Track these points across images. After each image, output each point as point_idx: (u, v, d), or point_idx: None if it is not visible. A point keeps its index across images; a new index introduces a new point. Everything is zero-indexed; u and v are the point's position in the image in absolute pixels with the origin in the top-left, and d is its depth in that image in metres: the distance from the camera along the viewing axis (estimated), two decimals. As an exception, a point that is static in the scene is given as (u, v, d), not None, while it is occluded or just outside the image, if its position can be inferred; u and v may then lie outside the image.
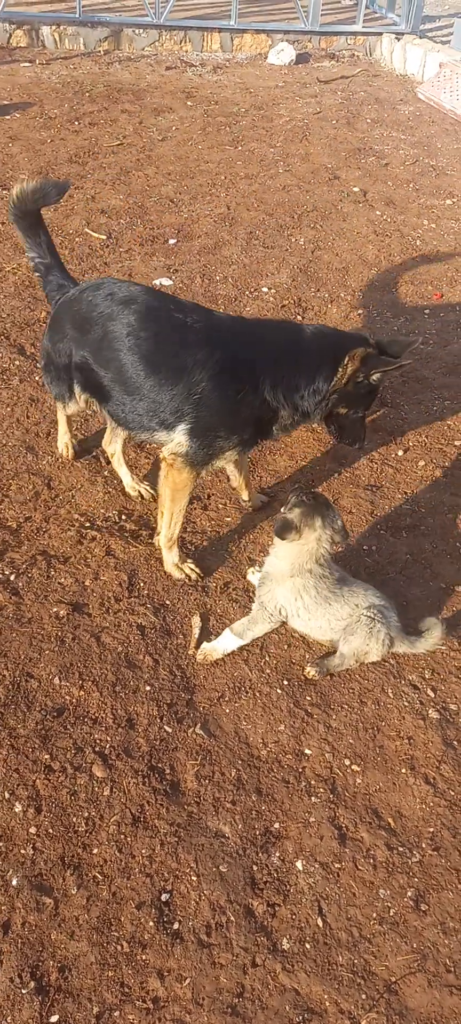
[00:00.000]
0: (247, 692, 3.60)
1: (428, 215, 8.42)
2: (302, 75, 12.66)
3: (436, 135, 10.53)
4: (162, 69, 12.48)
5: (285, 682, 3.66)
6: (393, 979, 2.76)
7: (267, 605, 3.61)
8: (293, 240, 7.72)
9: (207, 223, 7.93)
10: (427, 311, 6.75)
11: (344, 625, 3.57)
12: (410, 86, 12.31)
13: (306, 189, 8.80)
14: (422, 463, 5.04)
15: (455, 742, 3.46)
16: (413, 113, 11.25)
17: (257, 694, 3.60)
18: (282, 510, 3.60)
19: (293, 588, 3.52)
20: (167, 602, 3.95)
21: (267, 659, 3.74)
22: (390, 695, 3.64)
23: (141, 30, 13.05)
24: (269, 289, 6.90)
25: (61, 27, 12.70)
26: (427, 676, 3.73)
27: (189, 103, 11.14)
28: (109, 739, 3.34)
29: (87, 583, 4.00)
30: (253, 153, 9.65)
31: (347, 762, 3.37)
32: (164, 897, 2.90)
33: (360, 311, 6.68)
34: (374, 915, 2.91)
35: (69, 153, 9.31)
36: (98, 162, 9.16)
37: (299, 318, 6.49)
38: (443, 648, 3.82)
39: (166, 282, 6.85)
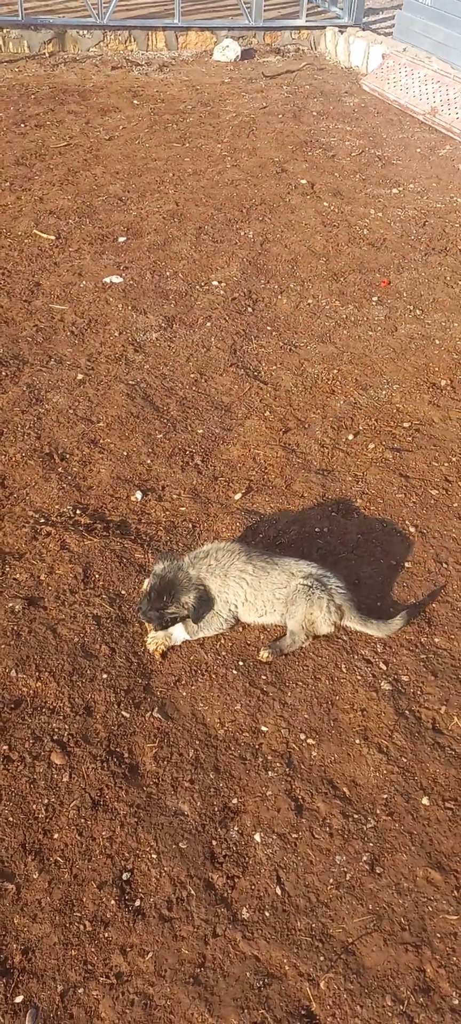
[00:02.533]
0: (203, 675, 3.68)
1: (374, 204, 8.58)
2: (248, 71, 12.77)
3: (381, 125, 10.72)
4: (108, 69, 12.50)
5: (241, 663, 3.75)
6: (350, 940, 2.86)
7: (221, 611, 3.72)
8: (242, 233, 7.82)
9: (156, 220, 8.00)
10: (375, 298, 6.90)
11: (285, 595, 3.67)
12: (355, 78, 12.50)
13: (254, 183, 8.91)
14: (372, 446, 5.17)
15: (407, 711, 3.58)
16: (358, 105, 11.43)
17: (213, 676, 3.68)
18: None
19: (235, 578, 3.65)
20: (123, 592, 4.02)
21: (223, 642, 3.83)
22: (343, 670, 3.75)
23: (85, 31, 13.05)
24: (219, 283, 6.99)
25: (4, 30, 12.64)
26: (379, 650, 3.84)
27: (136, 102, 11.19)
28: (67, 727, 3.39)
29: (42, 577, 4.04)
30: (201, 149, 9.74)
31: (302, 736, 3.47)
32: (125, 876, 2.97)
33: (309, 301, 6.80)
34: (331, 880, 3.01)
35: (15, 156, 9.30)
36: (45, 163, 9.16)
37: (249, 310, 6.58)
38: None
39: (116, 280, 6.91)
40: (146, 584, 3.73)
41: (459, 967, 2.79)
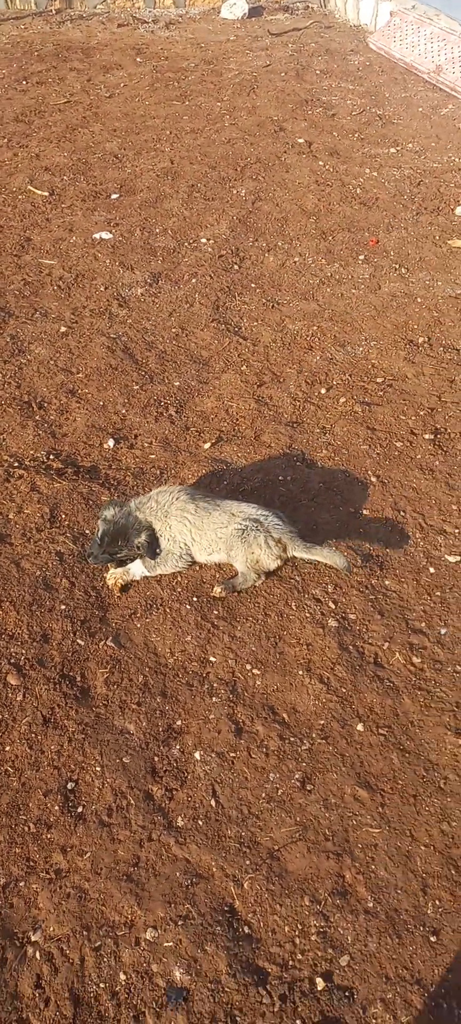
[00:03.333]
0: (158, 608, 3.94)
1: (371, 164, 8.70)
2: (254, 28, 12.84)
3: (385, 84, 10.79)
4: (114, 26, 12.63)
5: (195, 599, 4.00)
6: (276, 848, 3.11)
7: (172, 549, 3.97)
8: (234, 192, 7.99)
9: (150, 177, 8.18)
10: (362, 256, 7.06)
11: (226, 535, 3.90)
12: (362, 36, 12.53)
13: (251, 142, 9.05)
14: (343, 400, 5.37)
15: (351, 647, 3.82)
16: (363, 63, 11.49)
17: (167, 610, 3.94)
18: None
19: (176, 517, 3.89)
20: (87, 531, 4.27)
21: (179, 579, 4.08)
22: (293, 607, 3.99)
23: (91, -14, 13.17)
24: (208, 240, 7.18)
25: (9, -15, 12.80)
26: (330, 590, 4.08)
27: (139, 60, 11.33)
28: (24, 652, 3.67)
29: (11, 516, 4.31)
30: (200, 108, 9.88)
31: (248, 667, 3.72)
32: (70, 786, 3.24)
33: (296, 259, 6.98)
34: (263, 795, 3.27)
35: (15, 113, 9.51)
36: (44, 120, 9.37)
37: (236, 268, 6.77)
38: (345, 564, 4.16)
39: (106, 236, 7.12)
40: (98, 531, 3.96)
41: (377, 875, 3.03)
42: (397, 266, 6.87)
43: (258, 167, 8.47)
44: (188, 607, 3.95)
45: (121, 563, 3.90)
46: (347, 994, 2.74)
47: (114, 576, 3.95)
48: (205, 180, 8.15)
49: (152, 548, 3.84)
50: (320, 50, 11.89)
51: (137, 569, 3.97)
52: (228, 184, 8.11)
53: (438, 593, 4.06)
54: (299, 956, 2.82)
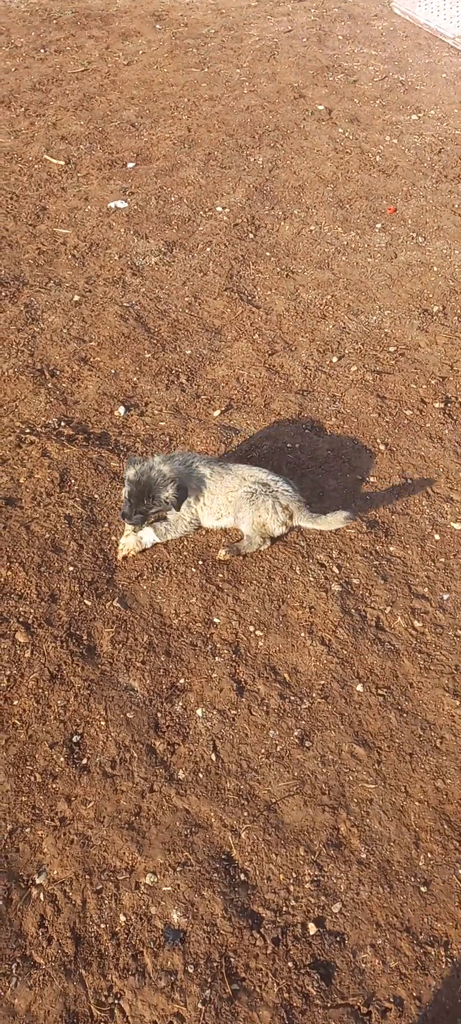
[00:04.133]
0: (164, 571, 4.09)
1: (391, 131, 8.72)
2: (276, -8, 12.82)
3: (408, 50, 10.76)
4: (133, -9, 12.67)
5: (200, 562, 4.14)
6: (273, 800, 3.26)
7: (184, 514, 4.10)
8: (251, 160, 8.06)
9: (166, 146, 8.28)
10: (379, 225, 7.12)
11: (235, 499, 4.04)
12: (386, 0, 12.47)
13: (270, 109, 9.10)
14: (354, 368, 5.47)
15: (353, 610, 3.94)
16: (387, 28, 11.45)
17: (173, 573, 4.09)
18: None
19: (197, 478, 4.03)
20: (95, 496, 4.43)
21: (185, 543, 4.22)
22: (297, 572, 4.12)
23: None
24: (223, 208, 7.27)
25: None
26: (334, 555, 4.20)
27: (158, 26, 11.38)
28: (32, 611, 3.84)
29: (22, 480, 4.48)
30: (219, 74, 9.94)
31: (251, 628, 3.86)
32: (75, 739, 3.41)
33: (312, 228, 7.06)
34: (262, 751, 3.41)
35: (32, 81, 9.63)
36: (61, 89, 9.48)
37: (251, 236, 6.87)
38: (351, 531, 4.28)
39: (121, 204, 7.24)
40: (124, 492, 4.08)
41: (371, 828, 3.17)
42: (414, 235, 6.93)
43: (276, 134, 8.53)
44: (194, 570, 4.09)
45: (157, 519, 4.02)
46: (338, 939, 2.88)
47: (126, 547, 4.09)
48: (222, 148, 8.23)
49: (180, 501, 3.95)
50: (343, 15, 11.86)
51: (149, 537, 4.11)
52: (245, 152, 8.18)
53: (442, 560, 4.17)
54: (293, 902, 2.96)
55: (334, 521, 4.13)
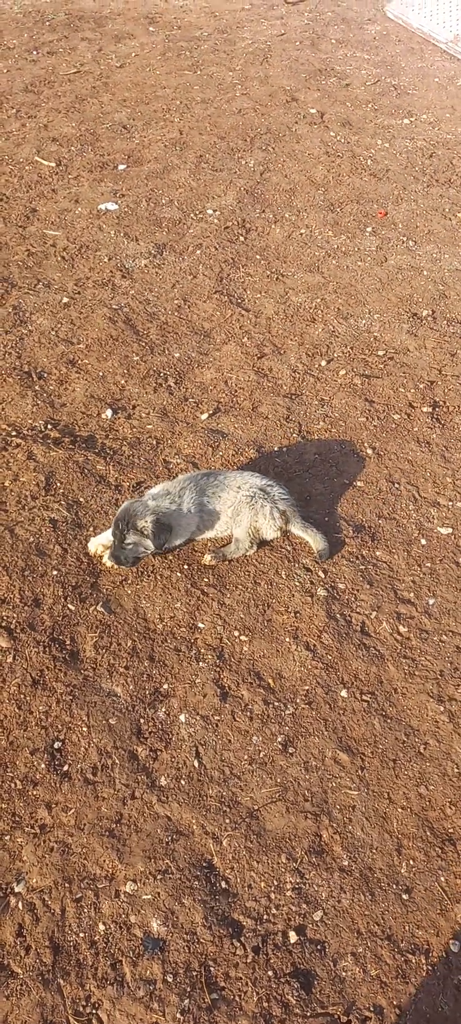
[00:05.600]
0: (149, 576, 4.06)
1: (383, 135, 8.72)
2: (269, -4, 12.82)
3: (401, 54, 10.76)
4: (126, -6, 12.66)
5: (185, 567, 4.11)
6: (256, 807, 3.24)
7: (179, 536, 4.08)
8: (243, 163, 8.05)
9: (158, 148, 8.26)
10: (369, 228, 7.10)
11: (232, 511, 4.02)
12: (379, 5, 12.48)
13: (262, 112, 9.09)
14: (343, 372, 5.45)
15: (338, 615, 3.92)
16: (380, 32, 11.45)
17: (158, 577, 4.06)
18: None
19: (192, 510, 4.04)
20: (81, 499, 4.40)
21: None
22: (283, 576, 4.09)
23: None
24: (214, 211, 7.25)
25: None
26: (320, 559, 4.17)
27: (151, 29, 11.37)
28: (15, 615, 3.80)
29: (7, 484, 4.44)
30: (211, 77, 9.92)
31: (236, 633, 3.83)
32: (57, 745, 3.38)
33: (302, 231, 7.04)
34: (245, 757, 3.39)
35: (25, 83, 9.60)
36: (53, 91, 9.46)
37: (241, 239, 6.85)
38: (338, 535, 4.26)
39: (112, 207, 7.22)
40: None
41: (353, 835, 3.15)
42: (405, 239, 6.92)
43: (268, 137, 8.52)
44: (179, 574, 4.06)
45: (138, 554, 3.94)
46: (319, 947, 2.86)
47: (111, 561, 4.04)
48: (214, 151, 8.21)
49: (158, 537, 3.90)
50: (336, 19, 11.86)
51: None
52: (237, 155, 8.16)
53: (428, 564, 4.15)
54: (274, 910, 2.94)
55: (315, 540, 4.11)
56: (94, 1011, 2.70)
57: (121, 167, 7.87)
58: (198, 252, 6.66)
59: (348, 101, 9.42)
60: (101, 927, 2.88)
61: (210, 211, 7.22)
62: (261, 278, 6.38)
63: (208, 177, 7.74)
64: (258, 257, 6.63)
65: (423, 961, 2.83)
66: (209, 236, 6.86)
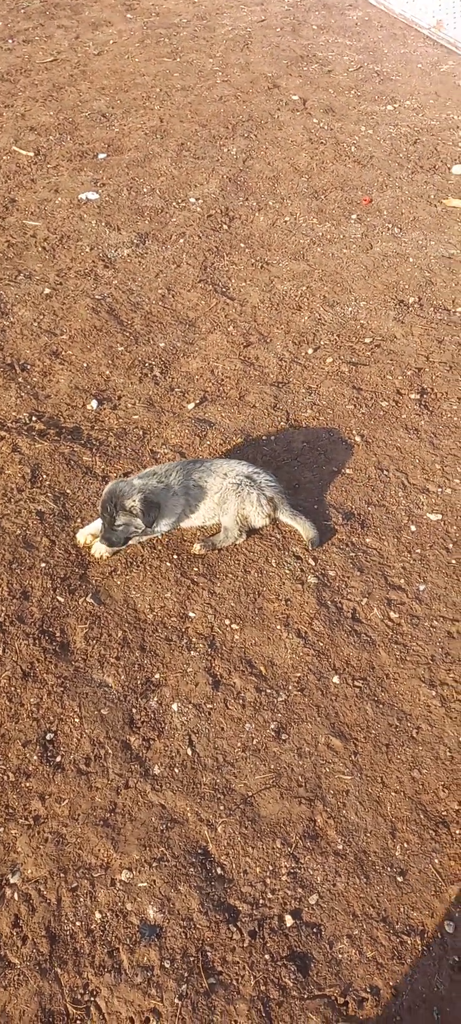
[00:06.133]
0: (138, 566, 4.11)
1: (367, 121, 8.80)
2: (249, -19, 12.85)
3: (383, 40, 10.84)
4: (103, -20, 12.65)
5: (175, 556, 4.17)
6: (250, 793, 3.30)
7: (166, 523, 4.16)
8: (225, 150, 8.10)
9: (138, 136, 8.29)
10: (354, 215, 7.18)
11: (219, 498, 4.08)
12: (361, -11, 12.55)
13: (243, 99, 9.15)
14: (330, 360, 5.52)
15: (329, 602, 3.99)
16: (361, 18, 11.53)
17: (148, 567, 4.11)
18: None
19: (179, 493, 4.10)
20: (68, 491, 4.44)
21: (159, 537, 4.25)
22: (273, 564, 4.16)
23: None
24: (197, 200, 7.30)
25: None
26: (310, 547, 4.24)
27: (129, 16, 11.39)
28: (4, 609, 3.84)
29: (-8, 476, 4.48)
30: (191, 64, 9.96)
31: (227, 622, 3.90)
32: (49, 736, 3.43)
33: (287, 219, 7.10)
34: (239, 744, 3.45)
35: (0, 72, 9.59)
36: (30, 79, 9.46)
37: (225, 227, 6.90)
38: (328, 523, 4.33)
39: (92, 196, 7.25)
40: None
41: (347, 819, 3.22)
42: (390, 225, 7.00)
43: (250, 125, 8.57)
44: (168, 564, 4.12)
45: (129, 533, 3.99)
46: (315, 930, 2.93)
47: (99, 551, 4.09)
48: (195, 138, 8.26)
49: (147, 515, 3.95)
50: (317, 4, 11.93)
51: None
52: (219, 142, 8.21)
53: (418, 550, 4.23)
54: (269, 895, 3.00)
55: (304, 529, 4.18)
56: (92, 999, 2.76)
57: (101, 156, 7.90)
58: (181, 241, 6.70)
59: (330, 88, 9.49)
60: (97, 915, 2.94)
61: (193, 199, 7.27)
62: (246, 266, 6.44)
63: (190, 165, 7.79)
64: (242, 245, 6.69)
65: (418, 942, 2.91)
66: (192, 225, 6.91)
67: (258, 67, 9.90)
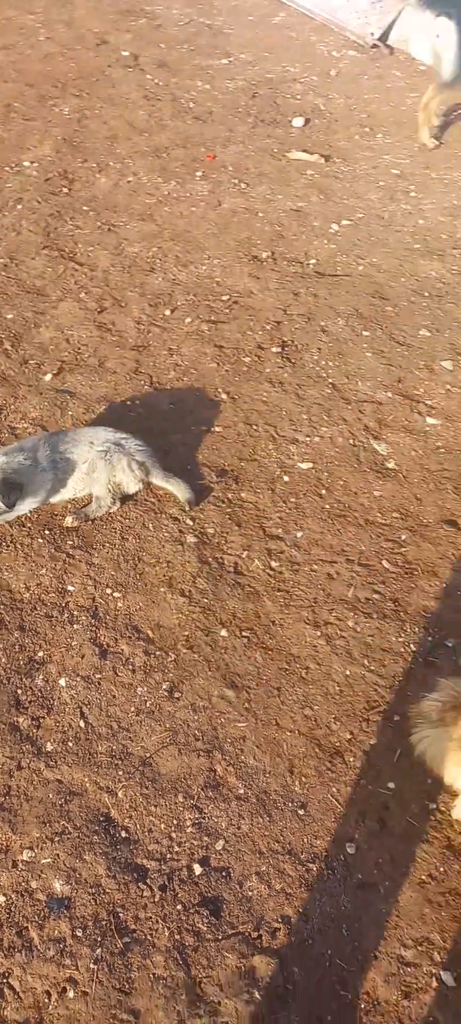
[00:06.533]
0: (8, 546, 4.17)
1: (202, 76, 9.02)
2: None
3: (213, -9, 11.08)
4: None
5: (47, 532, 4.26)
6: (148, 755, 3.46)
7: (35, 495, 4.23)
8: (57, 110, 8.11)
9: (-40, 99, 8.15)
10: (199, 173, 7.39)
11: (87, 467, 4.20)
12: None
13: (71, 56, 9.15)
14: (189, 320, 5.72)
15: (210, 559, 4.20)
16: (188, -32, 11.71)
17: (19, 546, 4.18)
18: None
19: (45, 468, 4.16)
20: None
21: (28, 514, 4.31)
22: (150, 528, 4.32)
23: None
24: (31, 163, 7.29)
25: None
26: (187, 508, 4.43)
27: None
28: None
29: None
30: (10, 21, 9.85)
31: (109, 591, 4.03)
32: None
33: (129, 179, 7.22)
34: (132, 709, 3.60)
35: None
36: None
37: (65, 191, 6.94)
38: (202, 482, 4.53)
39: None
40: None
41: (246, 764, 3.45)
42: (236, 181, 7.26)
43: (81, 83, 8.61)
44: (40, 540, 4.20)
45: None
46: (224, 874, 3.14)
47: None
48: (22, 99, 8.22)
49: (7, 496, 4.01)
50: (141, -46, 12.01)
51: None
52: (49, 102, 8.21)
53: (293, 500, 4.51)
54: (176, 848, 3.19)
55: (178, 489, 4.36)
56: (5, 980, 2.86)
57: None
58: (19, 207, 6.71)
59: (162, 42, 9.66)
60: (1, 899, 3.03)
61: (27, 163, 7.26)
62: (92, 230, 6.52)
63: (20, 127, 7.76)
64: (86, 208, 6.76)
65: (323, 867, 3.18)
66: (29, 189, 6.92)
67: (84, 22, 9.92)
